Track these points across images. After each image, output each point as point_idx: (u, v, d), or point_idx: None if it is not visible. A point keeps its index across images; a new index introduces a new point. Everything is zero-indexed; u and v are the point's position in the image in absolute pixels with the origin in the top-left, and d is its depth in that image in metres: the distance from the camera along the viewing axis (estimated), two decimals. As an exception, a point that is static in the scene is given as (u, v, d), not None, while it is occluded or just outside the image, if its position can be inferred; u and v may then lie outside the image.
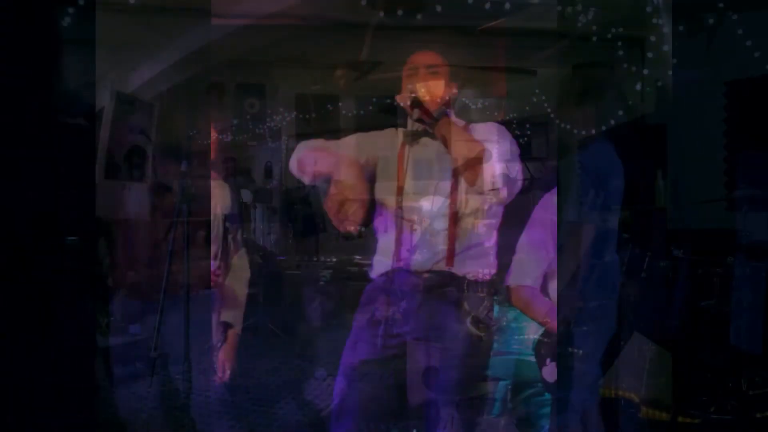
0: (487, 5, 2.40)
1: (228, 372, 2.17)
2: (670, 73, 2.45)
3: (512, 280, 2.07)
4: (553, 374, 1.99)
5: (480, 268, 1.86)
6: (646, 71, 2.55)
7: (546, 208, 2.07)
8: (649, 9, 2.46)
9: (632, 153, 2.57)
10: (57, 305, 2.31)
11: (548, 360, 1.99)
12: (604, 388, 2.18)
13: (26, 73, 2.52)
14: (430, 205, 1.83)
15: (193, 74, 3.32)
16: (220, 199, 2.42)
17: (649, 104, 2.68)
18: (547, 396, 2.01)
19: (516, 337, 2.33)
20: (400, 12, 2.56)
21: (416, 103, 1.77)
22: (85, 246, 2.61)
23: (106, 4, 2.31)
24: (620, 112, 2.64)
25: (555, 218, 2.04)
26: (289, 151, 1.91)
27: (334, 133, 2.23)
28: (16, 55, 2.40)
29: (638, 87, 2.59)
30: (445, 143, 1.79)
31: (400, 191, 1.85)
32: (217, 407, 2.67)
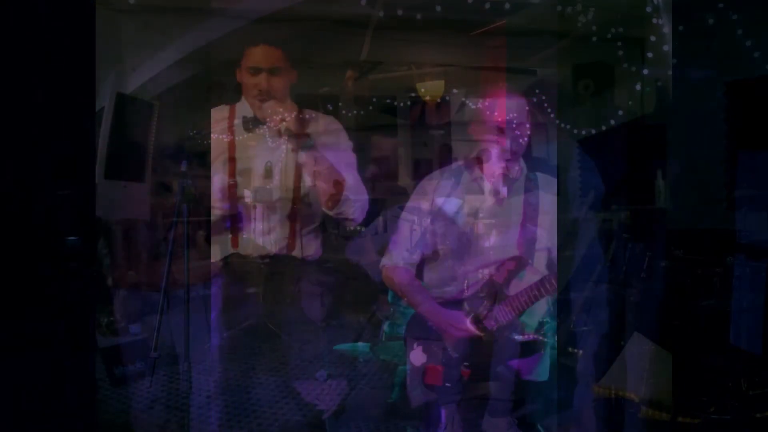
0: (487, 5, 2.40)
1: None
2: (670, 73, 2.45)
3: (386, 260, 2.11)
4: (419, 358, 2.00)
5: (320, 251, 1.89)
6: (646, 71, 2.55)
7: (421, 194, 2.11)
8: (649, 9, 2.46)
9: (632, 153, 2.57)
10: (57, 305, 2.31)
11: (415, 344, 2.01)
12: (603, 388, 2.19)
13: (26, 72, 2.52)
14: (272, 191, 1.84)
15: (193, 74, 3.32)
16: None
17: (649, 104, 2.68)
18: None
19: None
20: (400, 12, 2.56)
21: (287, 132, 1.79)
22: (85, 246, 2.61)
23: (106, 4, 2.31)
24: (620, 112, 2.64)
25: (430, 205, 2.07)
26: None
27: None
28: (17, 54, 2.40)
29: (638, 87, 2.60)
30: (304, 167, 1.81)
31: (232, 176, 1.87)
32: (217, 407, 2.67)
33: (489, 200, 2.01)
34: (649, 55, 2.47)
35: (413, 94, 3.65)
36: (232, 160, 1.88)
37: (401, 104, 3.63)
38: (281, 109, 1.80)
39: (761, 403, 2.21)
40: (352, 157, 1.95)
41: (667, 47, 2.40)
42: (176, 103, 3.34)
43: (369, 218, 2.52)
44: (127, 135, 2.93)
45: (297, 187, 1.87)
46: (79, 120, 2.76)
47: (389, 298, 2.40)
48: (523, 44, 3.06)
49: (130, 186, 2.94)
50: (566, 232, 2.04)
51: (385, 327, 2.33)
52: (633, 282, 2.43)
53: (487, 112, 2.05)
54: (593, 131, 2.57)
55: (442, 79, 3.68)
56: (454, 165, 2.12)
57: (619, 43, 2.64)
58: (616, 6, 2.66)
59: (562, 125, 2.30)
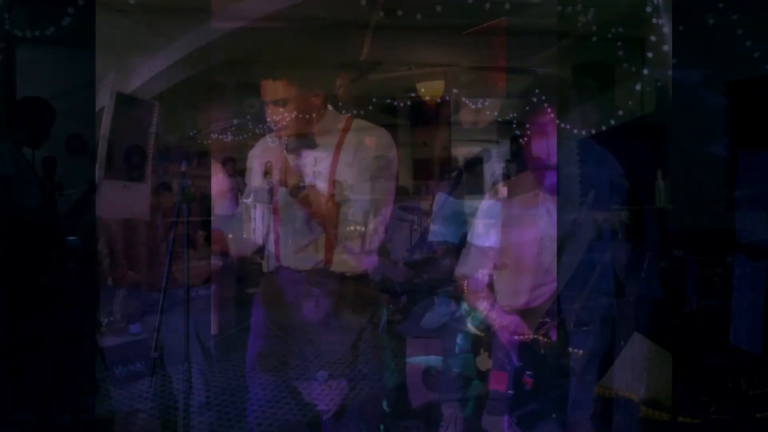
0: (487, 5, 2.40)
1: None
2: (670, 73, 2.45)
3: (458, 269, 2.13)
4: (484, 363, 2.03)
5: (361, 265, 1.86)
6: (646, 71, 2.55)
7: (493, 204, 2.12)
8: (649, 9, 2.46)
9: (632, 153, 2.57)
10: (57, 305, 2.32)
11: (482, 349, 2.04)
12: (603, 388, 2.19)
13: (27, 72, 2.52)
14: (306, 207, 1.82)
15: (193, 74, 3.32)
16: None
17: (649, 104, 2.68)
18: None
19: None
20: (400, 12, 2.56)
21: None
22: (85, 246, 2.61)
23: (106, 4, 2.31)
24: (620, 112, 2.64)
25: (502, 214, 2.08)
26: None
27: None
28: (17, 54, 2.40)
29: (638, 87, 2.59)
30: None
31: (276, 191, 1.84)
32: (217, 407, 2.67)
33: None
34: (649, 55, 2.47)
35: (413, 94, 3.65)
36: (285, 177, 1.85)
37: (401, 104, 3.63)
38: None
39: (761, 403, 2.21)
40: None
41: (667, 47, 2.40)
42: (176, 103, 3.34)
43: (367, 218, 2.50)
44: (127, 135, 2.92)
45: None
46: (79, 120, 2.76)
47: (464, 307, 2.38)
48: (523, 44, 3.06)
49: (130, 186, 2.94)
50: (567, 232, 2.04)
51: (459, 339, 2.31)
52: (633, 282, 2.43)
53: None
54: (593, 131, 2.56)
55: (442, 79, 3.68)
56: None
57: (619, 43, 2.64)
58: (616, 6, 2.66)
59: (562, 125, 2.29)
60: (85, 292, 2.62)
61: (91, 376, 2.69)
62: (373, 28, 2.84)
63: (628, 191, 2.12)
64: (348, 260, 1.81)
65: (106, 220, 3.02)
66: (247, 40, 3.10)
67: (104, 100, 2.96)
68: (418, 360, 2.46)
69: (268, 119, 1.86)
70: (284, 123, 1.84)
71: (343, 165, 1.80)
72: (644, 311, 2.35)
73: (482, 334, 2.12)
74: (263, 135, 1.98)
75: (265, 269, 1.93)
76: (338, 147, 1.84)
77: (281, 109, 1.84)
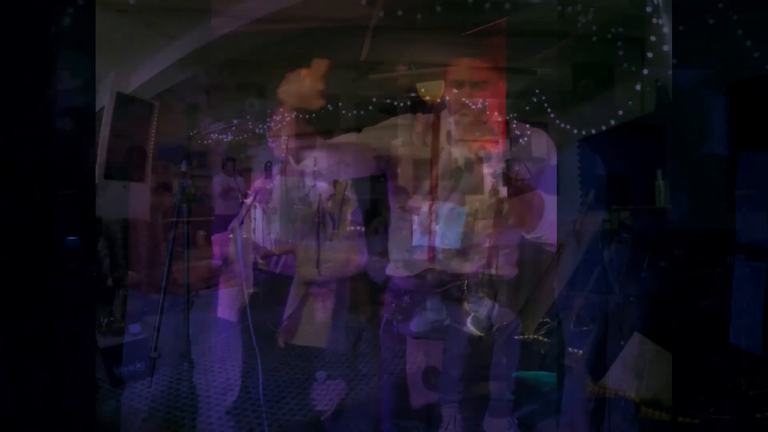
0: (487, 5, 2.40)
1: None
2: (670, 73, 2.45)
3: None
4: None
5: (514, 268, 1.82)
6: (646, 71, 2.55)
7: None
8: (649, 9, 2.46)
9: (632, 153, 2.57)
10: (57, 305, 2.31)
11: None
12: (603, 388, 2.19)
13: (27, 72, 2.52)
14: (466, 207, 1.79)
15: (193, 74, 3.32)
16: None
17: (649, 104, 2.68)
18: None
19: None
20: (400, 12, 2.56)
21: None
22: (85, 246, 2.61)
23: (106, 4, 2.31)
24: (620, 112, 2.64)
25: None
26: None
27: (333, 133, 2.23)
28: (17, 54, 2.40)
29: (638, 87, 2.59)
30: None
31: (433, 190, 1.81)
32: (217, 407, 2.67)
33: None
34: (649, 55, 2.47)
35: (413, 94, 3.65)
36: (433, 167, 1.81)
37: (401, 104, 3.62)
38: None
39: (761, 403, 2.20)
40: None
41: (667, 47, 2.40)
42: (176, 103, 3.34)
43: (368, 218, 2.50)
44: (127, 135, 2.93)
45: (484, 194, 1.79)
46: (79, 120, 2.76)
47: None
48: (523, 44, 3.05)
49: (130, 186, 2.94)
50: (566, 232, 2.04)
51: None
52: (632, 282, 2.43)
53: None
54: (593, 131, 2.56)
55: (441, 79, 3.67)
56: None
57: (619, 43, 2.64)
58: (616, 6, 2.66)
59: (562, 125, 2.29)
60: (85, 292, 2.62)
61: (91, 376, 2.69)
62: (373, 28, 2.84)
63: (627, 191, 2.12)
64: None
65: (106, 220, 3.02)
66: (247, 40, 3.10)
67: (104, 100, 2.96)
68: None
69: (469, 99, 1.79)
70: (479, 108, 1.79)
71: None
72: (644, 311, 2.35)
73: (483, 335, 2.12)
74: (263, 135, 1.98)
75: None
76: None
77: (484, 93, 1.80)
